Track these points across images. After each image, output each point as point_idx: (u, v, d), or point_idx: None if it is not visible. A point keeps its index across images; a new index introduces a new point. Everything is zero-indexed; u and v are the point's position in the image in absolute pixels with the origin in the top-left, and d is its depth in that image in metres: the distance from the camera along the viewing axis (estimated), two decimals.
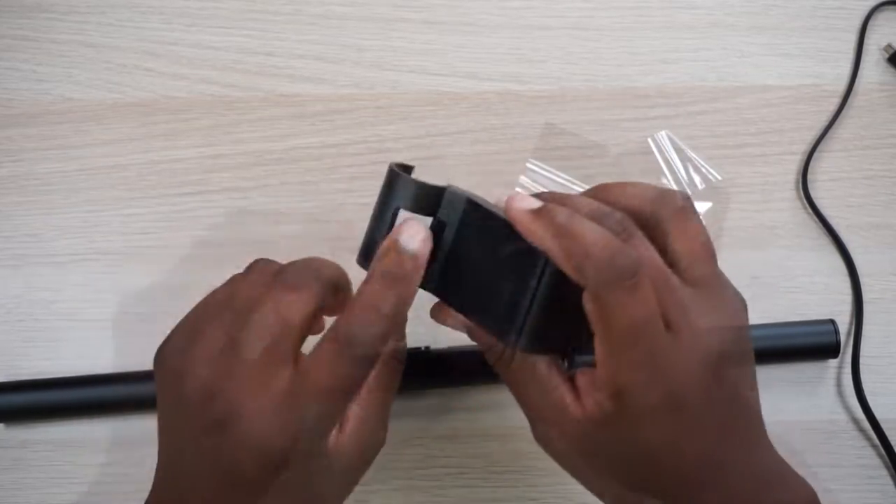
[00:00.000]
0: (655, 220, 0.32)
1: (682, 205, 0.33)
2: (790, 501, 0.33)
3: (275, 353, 0.30)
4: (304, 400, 0.29)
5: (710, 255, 0.33)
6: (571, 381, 0.32)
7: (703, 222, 0.35)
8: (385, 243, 0.32)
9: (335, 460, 0.31)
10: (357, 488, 0.50)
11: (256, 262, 0.35)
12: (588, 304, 0.29)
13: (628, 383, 0.29)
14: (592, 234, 0.29)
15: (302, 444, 0.29)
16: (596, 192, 0.34)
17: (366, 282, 0.31)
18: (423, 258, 0.32)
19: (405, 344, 0.34)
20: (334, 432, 0.31)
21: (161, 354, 0.33)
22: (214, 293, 0.34)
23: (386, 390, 0.34)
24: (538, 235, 0.30)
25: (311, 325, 0.31)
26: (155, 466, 0.34)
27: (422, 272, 0.31)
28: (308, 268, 0.32)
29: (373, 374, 0.32)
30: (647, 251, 0.31)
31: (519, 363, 0.33)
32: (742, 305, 0.33)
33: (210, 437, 0.29)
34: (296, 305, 0.30)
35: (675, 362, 0.29)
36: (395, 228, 0.32)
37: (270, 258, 0.36)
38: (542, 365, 0.32)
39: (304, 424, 0.29)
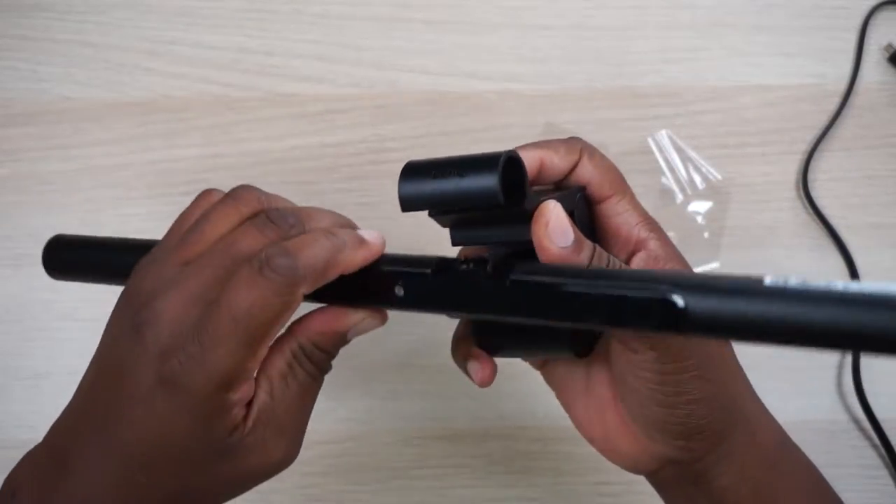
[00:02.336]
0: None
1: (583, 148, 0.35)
2: (778, 429, 0.35)
3: (217, 281, 0.30)
4: (211, 322, 0.29)
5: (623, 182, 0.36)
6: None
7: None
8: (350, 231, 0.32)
9: (231, 442, 0.30)
10: (357, 488, 0.50)
11: (241, 188, 0.34)
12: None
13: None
14: None
15: (201, 370, 0.28)
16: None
17: (309, 233, 0.31)
18: (372, 245, 0.32)
19: (330, 367, 0.34)
20: (241, 412, 0.30)
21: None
22: (192, 210, 0.35)
23: (301, 399, 0.32)
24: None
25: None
26: None
27: (365, 256, 0.32)
28: (296, 215, 0.32)
29: (292, 380, 0.32)
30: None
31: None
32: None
33: (126, 341, 0.30)
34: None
35: None
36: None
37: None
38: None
39: (209, 348, 0.28)
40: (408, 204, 0.30)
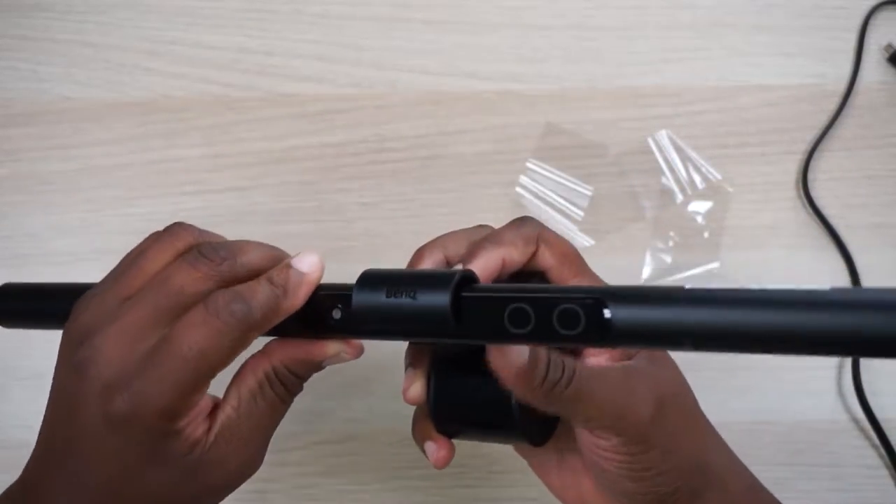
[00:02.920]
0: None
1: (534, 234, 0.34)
2: (747, 475, 0.36)
3: (155, 315, 0.30)
4: (160, 357, 0.29)
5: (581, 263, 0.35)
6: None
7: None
8: (280, 264, 0.32)
9: (191, 460, 0.30)
10: (357, 487, 0.50)
11: (176, 225, 0.35)
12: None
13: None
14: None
15: (148, 406, 0.29)
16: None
17: (255, 280, 0.32)
18: (310, 277, 0.32)
19: (301, 389, 0.34)
20: (200, 427, 0.31)
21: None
22: (134, 250, 0.35)
23: (269, 417, 0.33)
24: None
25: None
26: None
27: (307, 290, 0.32)
28: (228, 249, 0.32)
29: (261, 399, 0.32)
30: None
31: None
32: None
33: (71, 378, 0.30)
34: (196, 282, 0.31)
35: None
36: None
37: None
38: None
39: (156, 384, 0.29)
40: (361, 317, 0.30)
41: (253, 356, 0.33)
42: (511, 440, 0.35)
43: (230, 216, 0.54)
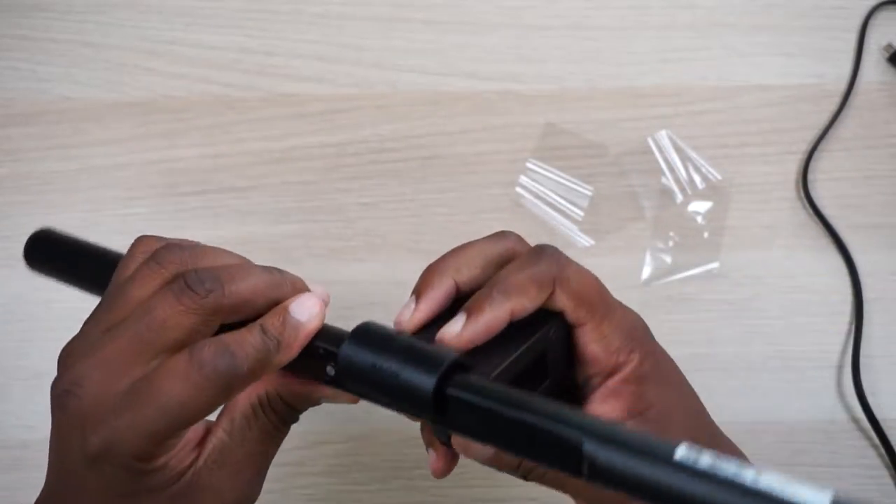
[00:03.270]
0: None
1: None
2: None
3: (137, 348, 0.29)
4: (138, 400, 0.28)
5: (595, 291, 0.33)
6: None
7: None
8: (277, 308, 0.31)
9: (179, 488, 0.30)
10: (357, 488, 0.50)
11: (164, 249, 0.33)
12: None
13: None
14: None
15: (122, 447, 0.28)
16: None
17: (247, 328, 0.30)
18: (307, 329, 0.30)
19: (297, 419, 0.33)
20: (188, 457, 0.30)
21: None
22: (121, 274, 0.33)
23: (262, 443, 0.32)
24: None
25: (198, 332, 0.30)
26: None
27: (303, 342, 0.30)
28: (215, 280, 0.30)
29: (255, 424, 0.32)
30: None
31: None
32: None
33: (56, 410, 0.30)
34: (178, 315, 0.29)
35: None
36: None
37: (221, 248, 0.34)
38: None
39: (130, 429, 0.28)
40: (345, 369, 0.29)
41: None
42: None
43: (230, 216, 0.54)
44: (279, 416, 0.32)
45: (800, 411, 0.52)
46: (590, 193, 0.55)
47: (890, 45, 0.57)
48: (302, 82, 0.57)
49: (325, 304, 0.31)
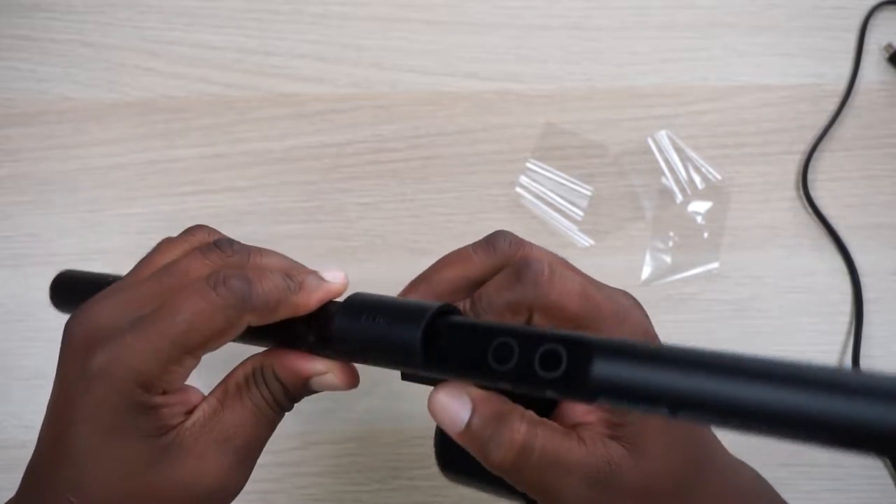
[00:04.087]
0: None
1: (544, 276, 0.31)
2: (751, 477, 0.34)
3: (156, 289, 0.30)
4: (147, 322, 0.28)
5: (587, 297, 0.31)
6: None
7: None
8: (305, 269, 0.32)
9: (165, 443, 0.29)
10: (357, 488, 0.50)
11: (195, 226, 0.34)
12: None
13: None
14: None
15: (124, 365, 0.28)
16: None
17: (274, 271, 0.31)
18: (330, 287, 0.31)
19: (290, 407, 0.33)
20: (177, 416, 0.30)
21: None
22: (153, 257, 0.34)
23: (255, 419, 0.31)
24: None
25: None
26: None
27: (322, 297, 0.31)
28: (243, 247, 0.31)
29: (247, 397, 0.31)
30: None
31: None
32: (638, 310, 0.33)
33: (63, 342, 0.30)
34: (203, 267, 0.30)
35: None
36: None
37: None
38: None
39: (135, 344, 0.28)
40: (340, 339, 0.30)
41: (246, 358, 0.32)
42: (515, 497, 0.33)
43: (230, 216, 0.54)
44: (273, 396, 0.32)
45: None
46: (590, 193, 0.55)
47: (890, 45, 0.57)
48: (302, 82, 0.57)
49: (346, 284, 0.32)
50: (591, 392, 0.24)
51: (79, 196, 0.55)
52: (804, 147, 0.56)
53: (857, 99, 0.57)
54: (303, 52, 0.57)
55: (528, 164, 0.55)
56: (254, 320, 0.30)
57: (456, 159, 0.55)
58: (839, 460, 0.51)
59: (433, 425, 0.52)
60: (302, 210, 0.54)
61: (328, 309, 0.31)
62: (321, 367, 0.32)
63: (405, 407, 0.51)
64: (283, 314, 0.30)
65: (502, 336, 0.26)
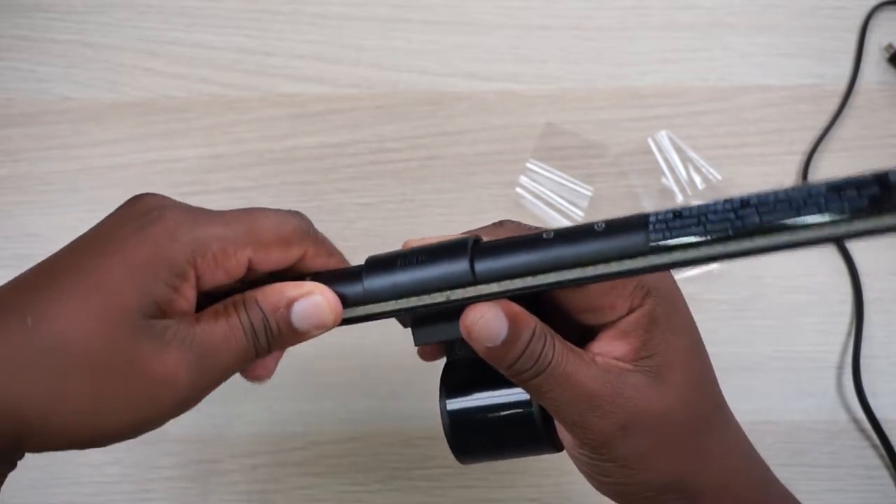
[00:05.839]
0: None
1: None
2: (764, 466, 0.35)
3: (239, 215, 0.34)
4: (219, 215, 0.33)
5: None
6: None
7: None
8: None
9: (154, 326, 0.29)
10: (357, 488, 0.50)
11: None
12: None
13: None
14: None
15: (172, 231, 0.31)
16: None
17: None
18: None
19: (268, 349, 0.31)
20: (169, 302, 0.29)
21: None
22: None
23: (225, 342, 0.30)
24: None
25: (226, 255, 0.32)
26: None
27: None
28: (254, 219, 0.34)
29: (223, 319, 0.30)
30: None
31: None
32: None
33: (120, 209, 0.33)
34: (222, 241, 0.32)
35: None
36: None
37: None
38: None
39: (198, 225, 0.32)
40: (376, 295, 0.30)
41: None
42: (537, 452, 0.34)
43: None
44: (251, 322, 0.31)
45: (800, 411, 0.52)
46: (590, 193, 0.55)
47: (890, 45, 0.57)
48: (302, 82, 0.57)
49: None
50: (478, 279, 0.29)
51: (79, 196, 0.55)
52: (804, 147, 0.56)
53: (857, 99, 0.57)
54: (302, 53, 0.57)
55: (529, 165, 0.55)
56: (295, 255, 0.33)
57: (456, 159, 0.55)
58: (839, 460, 0.51)
59: (433, 425, 0.52)
60: (302, 210, 0.54)
61: (353, 271, 0.32)
62: (306, 287, 0.31)
63: (405, 407, 0.51)
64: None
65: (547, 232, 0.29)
